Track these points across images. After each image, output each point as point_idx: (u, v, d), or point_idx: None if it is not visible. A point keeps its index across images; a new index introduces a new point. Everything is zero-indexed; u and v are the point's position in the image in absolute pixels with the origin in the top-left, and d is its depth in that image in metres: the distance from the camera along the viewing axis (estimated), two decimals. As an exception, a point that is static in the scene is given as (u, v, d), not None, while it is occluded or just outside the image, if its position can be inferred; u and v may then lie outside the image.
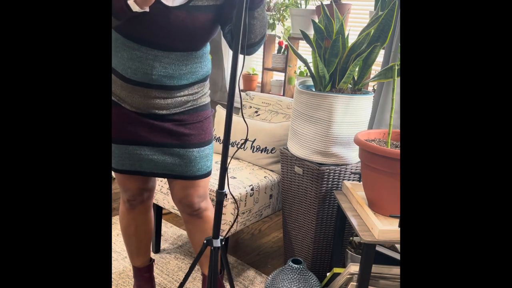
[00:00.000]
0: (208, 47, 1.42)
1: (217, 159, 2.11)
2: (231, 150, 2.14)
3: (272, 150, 2.06)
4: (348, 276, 1.53)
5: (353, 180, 1.73)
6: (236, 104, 3.11)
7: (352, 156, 1.70)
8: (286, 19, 2.75)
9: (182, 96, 1.37)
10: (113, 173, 2.82)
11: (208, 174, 1.48)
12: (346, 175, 1.72)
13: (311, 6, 2.57)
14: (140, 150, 1.41)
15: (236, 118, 2.15)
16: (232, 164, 2.06)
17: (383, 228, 1.28)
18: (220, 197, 1.21)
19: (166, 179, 1.68)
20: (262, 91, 2.87)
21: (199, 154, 1.43)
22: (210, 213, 1.54)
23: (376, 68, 2.33)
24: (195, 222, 1.54)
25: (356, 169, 1.74)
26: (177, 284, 1.83)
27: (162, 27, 1.24)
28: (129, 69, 1.31)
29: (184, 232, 2.29)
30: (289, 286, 1.58)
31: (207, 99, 1.47)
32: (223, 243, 1.28)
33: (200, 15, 1.25)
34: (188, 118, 1.40)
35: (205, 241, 1.27)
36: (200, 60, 1.36)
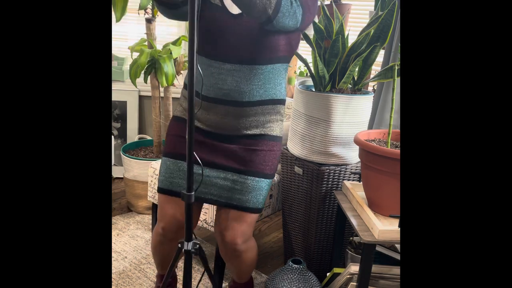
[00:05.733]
0: (284, 64, 1.33)
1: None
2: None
3: (272, 150, 2.06)
4: (348, 276, 1.53)
5: (353, 180, 1.73)
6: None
7: (352, 156, 1.70)
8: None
9: (254, 116, 1.30)
10: (118, 175, 2.81)
11: (257, 210, 1.38)
12: (346, 175, 1.72)
13: (311, 6, 2.57)
14: (196, 169, 1.29)
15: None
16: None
17: (383, 228, 1.28)
18: (188, 200, 1.14)
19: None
20: (262, 91, 2.86)
21: (252, 183, 1.34)
22: (250, 253, 1.45)
23: (376, 68, 2.33)
24: (231, 260, 1.46)
25: (356, 169, 1.74)
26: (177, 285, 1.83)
27: (230, 37, 1.20)
28: (204, 85, 1.28)
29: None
30: (289, 286, 1.58)
31: (277, 132, 1.39)
32: (197, 246, 1.19)
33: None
34: (255, 144, 1.33)
35: (179, 245, 1.19)
36: (272, 77, 1.29)
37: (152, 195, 2.09)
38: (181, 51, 2.42)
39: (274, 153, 1.38)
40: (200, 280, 1.40)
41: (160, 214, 1.41)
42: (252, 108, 1.30)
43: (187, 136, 1.09)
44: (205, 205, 1.77)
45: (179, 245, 1.19)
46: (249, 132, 1.33)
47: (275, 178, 1.99)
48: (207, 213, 1.77)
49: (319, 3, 1.60)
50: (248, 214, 1.37)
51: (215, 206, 1.72)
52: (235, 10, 1.22)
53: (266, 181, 1.37)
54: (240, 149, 1.33)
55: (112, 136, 2.79)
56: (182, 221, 1.37)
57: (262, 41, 1.23)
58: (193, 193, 1.14)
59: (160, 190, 1.40)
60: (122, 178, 2.69)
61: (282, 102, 1.38)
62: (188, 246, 1.18)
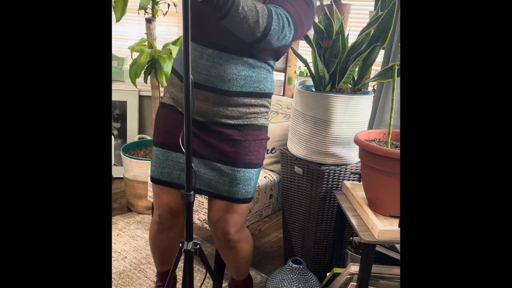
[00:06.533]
0: (270, 62, 1.32)
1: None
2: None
3: (272, 150, 2.06)
4: (348, 276, 1.53)
5: (353, 180, 1.73)
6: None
7: (352, 156, 1.70)
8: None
9: (235, 106, 1.29)
10: (119, 175, 2.81)
11: (246, 200, 1.39)
12: (346, 175, 1.72)
13: (311, 6, 2.57)
14: (182, 159, 1.33)
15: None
16: (232, 164, 2.06)
17: (383, 228, 1.28)
18: (188, 199, 1.14)
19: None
20: (262, 91, 2.86)
21: (239, 175, 1.34)
22: (244, 244, 1.46)
23: (376, 68, 2.33)
24: (226, 251, 1.47)
25: (356, 169, 1.74)
26: (177, 285, 1.83)
27: (216, 22, 1.16)
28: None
29: (184, 232, 2.29)
30: (289, 286, 1.58)
31: (265, 121, 1.39)
32: (197, 246, 1.18)
33: None
34: (239, 134, 1.32)
35: (180, 244, 1.19)
36: (256, 70, 1.28)
37: (152, 195, 2.09)
38: (181, 51, 2.42)
39: (260, 142, 1.37)
40: (203, 281, 1.40)
41: (156, 202, 1.43)
42: (232, 98, 1.27)
43: (185, 137, 1.09)
44: (205, 205, 1.77)
45: (180, 244, 1.19)
46: (230, 121, 1.31)
47: (275, 178, 1.99)
48: (207, 213, 1.78)
49: (318, 3, 1.60)
50: (239, 205, 1.37)
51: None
52: None
53: (253, 171, 1.37)
54: (224, 140, 1.32)
55: (112, 136, 2.79)
56: (177, 209, 1.40)
57: None
58: (192, 192, 1.14)
59: (153, 180, 1.41)
60: (122, 178, 2.69)
61: (267, 95, 1.36)
62: (188, 245, 1.18)
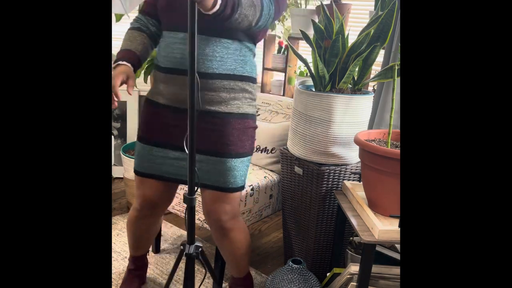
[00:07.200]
0: (251, 43, 1.34)
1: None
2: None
3: (272, 150, 2.06)
4: (348, 276, 1.53)
5: (353, 180, 1.73)
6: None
7: (352, 156, 1.70)
8: (286, 19, 2.75)
9: (214, 90, 1.28)
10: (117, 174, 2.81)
11: (237, 189, 1.41)
12: (346, 175, 1.72)
13: (311, 6, 2.57)
14: (168, 153, 1.37)
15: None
16: (232, 164, 2.06)
17: (383, 228, 1.28)
18: (191, 203, 1.14)
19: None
20: (262, 91, 2.87)
21: (227, 165, 1.35)
22: (238, 234, 1.48)
23: (376, 68, 2.33)
24: (221, 240, 1.50)
25: (356, 169, 1.74)
26: (177, 285, 1.83)
27: (182, 5, 1.20)
28: (163, 57, 1.30)
29: (184, 232, 2.29)
30: (289, 286, 1.58)
31: (250, 109, 1.38)
32: (199, 250, 1.19)
33: None
34: (223, 123, 1.32)
35: (181, 246, 1.19)
36: (233, 52, 1.28)
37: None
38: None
39: (246, 131, 1.37)
40: (202, 282, 1.40)
41: (138, 193, 1.48)
42: (210, 80, 1.27)
43: (188, 143, 1.10)
44: (205, 205, 1.77)
45: (181, 247, 1.19)
46: (212, 108, 1.31)
47: (275, 178, 1.99)
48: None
49: (319, 3, 1.60)
50: (229, 194, 1.39)
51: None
52: None
53: (241, 159, 1.37)
54: (210, 130, 1.32)
55: (112, 136, 2.79)
56: (156, 201, 1.47)
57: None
58: (194, 196, 1.14)
59: (135, 172, 1.46)
60: (122, 178, 2.69)
61: (248, 79, 1.35)
62: (190, 249, 1.16)
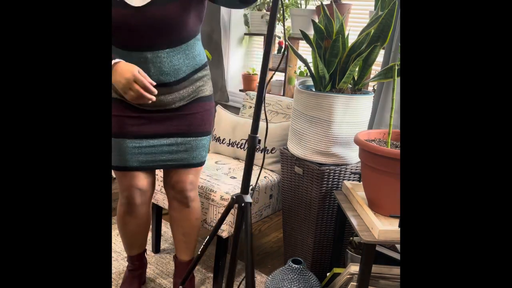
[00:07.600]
0: (196, 36, 1.44)
1: (216, 159, 2.11)
2: (231, 150, 2.14)
3: (272, 150, 2.06)
4: (348, 276, 1.54)
5: (353, 180, 1.73)
6: (237, 104, 3.11)
7: (352, 156, 1.70)
8: (286, 19, 2.75)
9: (184, 89, 1.43)
10: (113, 173, 2.81)
11: (201, 164, 1.57)
12: (346, 175, 1.72)
13: (311, 6, 2.57)
14: (140, 143, 1.46)
15: (236, 119, 2.15)
16: (232, 164, 2.06)
17: (383, 228, 1.28)
18: (253, 143, 1.21)
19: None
20: (262, 91, 2.87)
21: (195, 143, 1.50)
22: (196, 204, 1.62)
23: (376, 68, 2.33)
24: (182, 211, 1.62)
25: (356, 169, 1.74)
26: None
27: (138, 28, 1.28)
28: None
29: (184, 232, 2.29)
30: (289, 286, 1.58)
31: (207, 92, 1.52)
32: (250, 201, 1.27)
33: (168, 5, 1.28)
34: (191, 109, 1.47)
35: (234, 197, 1.26)
36: (191, 50, 1.41)
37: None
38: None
39: (209, 111, 1.54)
40: (241, 282, 1.40)
41: (121, 187, 1.54)
42: (180, 84, 1.42)
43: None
44: (205, 205, 1.77)
45: (234, 197, 1.27)
46: (183, 103, 1.46)
47: (275, 178, 1.99)
48: (207, 213, 1.78)
49: (319, 3, 1.60)
50: (194, 168, 1.56)
51: (213, 206, 1.73)
52: (135, 2, 1.29)
53: (206, 138, 1.55)
54: (178, 115, 1.46)
55: (112, 136, 2.79)
56: (141, 188, 1.53)
57: (171, 25, 1.31)
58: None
59: (113, 167, 1.52)
60: (122, 178, 2.69)
61: (204, 65, 1.50)
62: (247, 198, 1.24)
